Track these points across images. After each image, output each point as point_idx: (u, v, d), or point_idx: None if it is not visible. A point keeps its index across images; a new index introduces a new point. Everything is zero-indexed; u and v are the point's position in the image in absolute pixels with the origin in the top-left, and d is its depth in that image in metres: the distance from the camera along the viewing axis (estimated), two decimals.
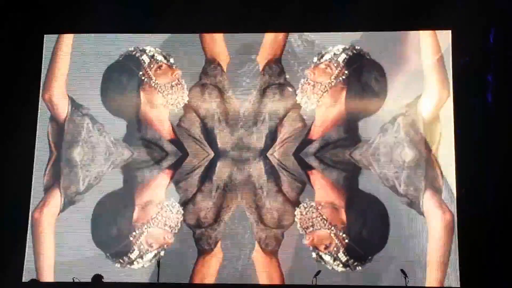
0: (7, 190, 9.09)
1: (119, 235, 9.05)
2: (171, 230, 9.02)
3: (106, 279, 8.11)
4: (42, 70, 9.45)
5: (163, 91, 9.28)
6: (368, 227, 8.85)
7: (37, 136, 9.30)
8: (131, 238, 9.02)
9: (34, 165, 9.21)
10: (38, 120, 9.33)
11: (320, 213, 8.96)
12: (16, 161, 9.16)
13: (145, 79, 9.32)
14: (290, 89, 9.15)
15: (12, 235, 8.99)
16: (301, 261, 8.89)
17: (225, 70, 9.27)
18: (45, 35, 9.53)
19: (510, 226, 8.63)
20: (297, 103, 9.14)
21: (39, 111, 9.34)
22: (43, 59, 9.46)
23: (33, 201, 9.16)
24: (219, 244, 8.98)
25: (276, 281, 8.90)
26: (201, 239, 9.01)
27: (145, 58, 9.38)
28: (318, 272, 8.58)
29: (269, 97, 9.18)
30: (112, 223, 9.08)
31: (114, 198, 9.15)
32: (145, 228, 9.04)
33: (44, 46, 9.48)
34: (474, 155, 8.78)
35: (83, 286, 8.36)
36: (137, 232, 9.03)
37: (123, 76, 9.35)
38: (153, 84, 9.31)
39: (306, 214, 8.96)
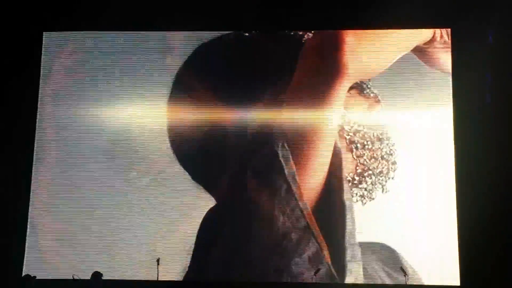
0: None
1: None
2: None
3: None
4: (42, 68, 9.46)
5: None
6: None
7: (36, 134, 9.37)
8: None
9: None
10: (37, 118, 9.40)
11: None
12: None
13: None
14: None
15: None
16: None
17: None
18: (44, 33, 9.54)
19: (509, 224, 8.62)
20: None
21: (38, 108, 9.42)
22: (42, 57, 9.45)
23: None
24: None
25: None
26: None
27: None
28: (318, 270, 8.60)
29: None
30: None
31: None
32: None
33: (43, 43, 9.47)
34: (473, 154, 8.76)
35: (82, 284, 8.43)
36: None
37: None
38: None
39: None
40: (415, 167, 8.93)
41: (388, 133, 9.09)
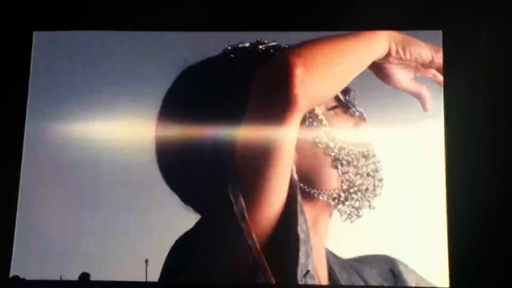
0: None
1: None
2: None
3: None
4: (31, 70, 9.63)
5: None
6: None
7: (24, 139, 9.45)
8: None
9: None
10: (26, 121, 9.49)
11: None
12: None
13: None
14: None
15: None
16: None
17: None
18: (34, 32, 9.74)
19: (500, 225, 8.80)
20: None
21: (26, 113, 9.49)
22: (31, 58, 9.64)
23: None
24: None
25: None
26: None
27: None
28: (307, 272, 8.65)
29: None
30: None
31: None
32: None
33: (33, 44, 9.67)
34: (464, 158, 8.95)
35: (70, 285, 8.54)
36: None
37: None
38: None
39: None
40: (403, 183, 9.15)
41: (374, 151, 9.30)
